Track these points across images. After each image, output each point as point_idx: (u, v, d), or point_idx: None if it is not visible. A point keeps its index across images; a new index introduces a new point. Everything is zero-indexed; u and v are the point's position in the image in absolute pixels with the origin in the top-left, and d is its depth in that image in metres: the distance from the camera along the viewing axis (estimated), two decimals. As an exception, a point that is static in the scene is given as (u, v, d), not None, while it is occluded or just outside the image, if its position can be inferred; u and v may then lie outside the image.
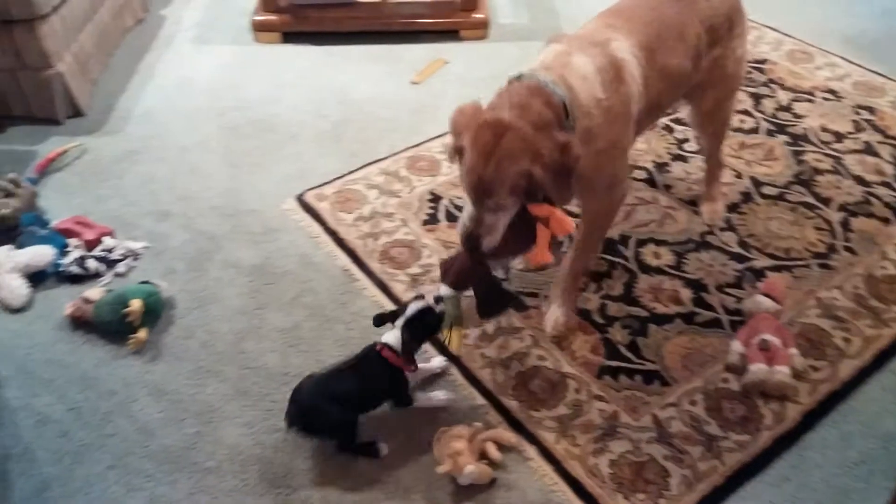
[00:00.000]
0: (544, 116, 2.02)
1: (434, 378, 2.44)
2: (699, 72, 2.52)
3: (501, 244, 2.13)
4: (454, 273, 2.23)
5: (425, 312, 2.24)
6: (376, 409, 2.28)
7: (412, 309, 2.24)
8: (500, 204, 2.06)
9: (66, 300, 2.67)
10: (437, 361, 2.44)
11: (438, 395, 2.36)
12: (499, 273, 2.32)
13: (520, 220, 2.11)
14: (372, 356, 2.24)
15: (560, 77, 2.11)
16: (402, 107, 3.66)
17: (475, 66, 3.96)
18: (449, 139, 2.21)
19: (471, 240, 2.12)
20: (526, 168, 1.99)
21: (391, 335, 2.24)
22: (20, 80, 3.42)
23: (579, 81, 2.13)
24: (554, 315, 2.57)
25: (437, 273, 2.74)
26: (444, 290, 2.25)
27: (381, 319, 2.31)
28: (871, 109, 3.56)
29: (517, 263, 2.69)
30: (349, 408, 2.19)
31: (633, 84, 2.25)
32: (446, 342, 2.33)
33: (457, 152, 2.14)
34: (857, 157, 3.29)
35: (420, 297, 2.28)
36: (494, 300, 2.36)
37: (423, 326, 2.25)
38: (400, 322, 2.24)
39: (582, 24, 2.43)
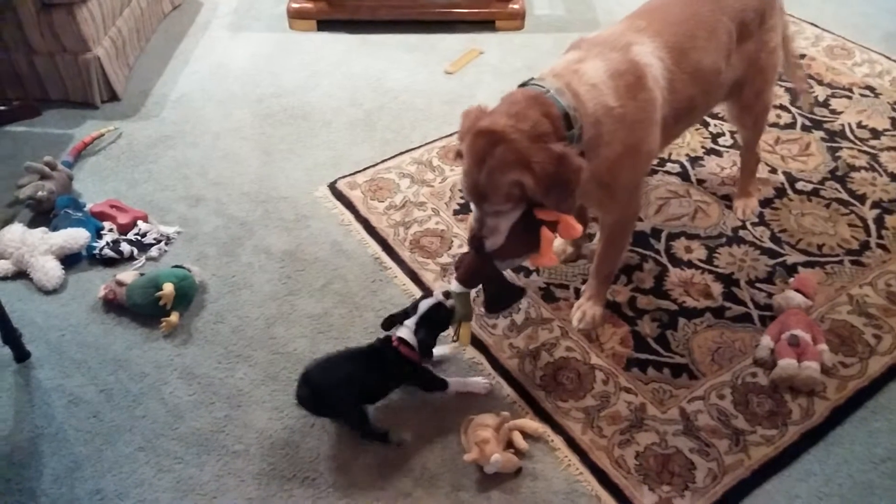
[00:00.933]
0: (540, 127, 1.98)
1: (464, 367, 2.45)
2: (731, 69, 2.47)
3: (506, 245, 2.12)
4: (464, 271, 2.22)
5: (436, 309, 2.27)
6: (385, 397, 2.31)
7: (424, 306, 2.27)
8: (498, 209, 2.05)
9: (99, 283, 2.72)
10: (480, 380, 2.41)
11: (477, 382, 2.37)
12: (506, 269, 2.31)
13: (525, 222, 2.09)
14: (387, 351, 2.26)
15: (566, 85, 2.06)
16: (435, 96, 3.67)
17: (510, 56, 3.95)
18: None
19: (475, 241, 2.12)
20: (517, 178, 1.97)
21: (405, 330, 2.27)
22: (58, 63, 3.47)
23: (586, 89, 2.08)
24: (582, 309, 2.57)
25: (466, 263, 2.76)
26: (455, 285, 2.25)
27: (391, 322, 2.34)
28: (909, 106, 3.51)
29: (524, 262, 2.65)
30: (357, 395, 2.22)
31: (655, 90, 2.20)
32: (454, 338, 2.36)
33: (458, 155, 2.15)
34: (893, 154, 3.25)
35: (428, 294, 2.30)
36: (502, 296, 2.35)
37: (436, 322, 2.29)
38: (413, 321, 2.26)
39: (610, 24, 2.39)
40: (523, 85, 2.14)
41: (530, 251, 2.16)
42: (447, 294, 2.29)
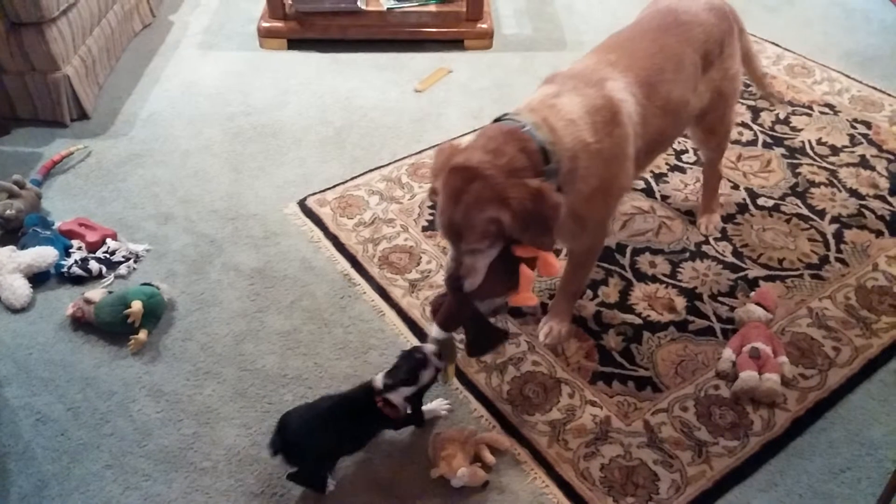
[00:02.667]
0: (517, 162, 1.97)
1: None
2: (697, 99, 2.52)
3: (485, 285, 2.09)
4: (443, 315, 2.20)
5: (434, 378, 2.23)
6: (360, 449, 2.26)
7: (425, 378, 2.19)
8: (475, 248, 2.03)
9: (67, 301, 2.72)
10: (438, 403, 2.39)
11: (441, 405, 2.36)
12: (487, 312, 2.27)
13: (504, 260, 2.08)
14: (368, 405, 2.18)
15: (543, 120, 2.06)
16: (404, 114, 3.71)
17: (478, 75, 4.00)
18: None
19: (453, 280, 2.09)
20: (494, 215, 1.95)
21: (394, 394, 2.16)
22: (27, 82, 3.47)
23: (564, 124, 2.08)
24: (549, 325, 2.60)
25: (435, 278, 2.80)
26: (436, 331, 2.21)
27: (390, 382, 2.18)
28: (867, 124, 3.59)
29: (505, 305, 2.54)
30: (328, 445, 2.15)
31: (629, 125, 2.22)
32: (442, 379, 2.34)
33: (433, 192, 2.14)
34: (852, 170, 3.32)
35: (419, 355, 2.20)
36: (485, 339, 2.32)
37: (428, 386, 2.25)
38: (411, 390, 2.17)
39: (577, 43, 2.42)
40: (498, 120, 2.13)
41: (509, 290, 2.15)
42: (437, 355, 2.21)
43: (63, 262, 2.82)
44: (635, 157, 2.29)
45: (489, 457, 2.23)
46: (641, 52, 2.37)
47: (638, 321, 2.67)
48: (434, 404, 2.37)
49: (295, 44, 4.20)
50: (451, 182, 2.00)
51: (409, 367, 2.19)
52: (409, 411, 2.22)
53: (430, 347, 2.22)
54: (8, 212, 2.92)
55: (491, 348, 2.44)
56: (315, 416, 2.15)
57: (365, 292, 2.78)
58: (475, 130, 2.18)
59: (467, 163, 1.98)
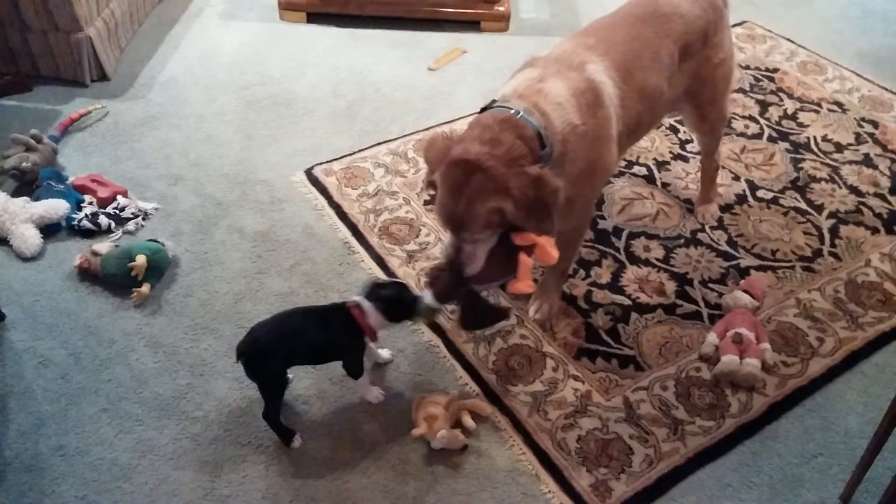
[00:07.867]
0: (515, 150, 2.01)
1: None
2: (673, 89, 2.54)
3: (484, 270, 2.15)
4: (439, 290, 2.25)
5: (408, 304, 2.29)
6: (323, 363, 2.38)
7: (406, 296, 2.28)
8: (476, 237, 2.08)
9: (75, 252, 2.81)
10: (385, 353, 2.49)
11: (375, 390, 2.40)
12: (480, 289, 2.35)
13: (503, 247, 2.13)
14: (340, 311, 2.27)
15: (533, 105, 2.10)
16: (416, 91, 3.76)
17: (492, 57, 4.05)
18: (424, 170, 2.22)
19: (453, 266, 2.15)
20: (496, 205, 1.99)
21: (365, 301, 2.26)
22: (50, 41, 3.56)
23: (553, 108, 2.12)
24: (539, 301, 2.66)
25: (432, 251, 2.86)
26: (429, 297, 2.27)
27: (373, 287, 2.32)
28: (874, 123, 3.60)
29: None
30: (301, 353, 2.26)
31: (611, 106, 2.26)
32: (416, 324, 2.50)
33: (430, 185, 2.18)
34: (854, 167, 3.35)
35: (411, 299, 2.28)
36: (479, 316, 2.40)
37: (398, 313, 2.29)
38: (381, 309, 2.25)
39: (558, 43, 2.44)
40: (486, 108, 2.16)
41: (508, 275, 2.19)
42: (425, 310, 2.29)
43: (74, 216, 2.92)
44: (618, 139, 2.33)
45: (470, 422, 2.30)
46: (619, 38, 2.40)
47: (627, 302, 2.72)
48: (383, 351, 2.46)
49: (314, 17, 4.26)
50: (451, 175, 2.03)
51: (404, 299, 2.27)
52: (374, 327, 2.27)
53: (424, 303, 2.27)
54: (24, 164, 3.01)
55: (484, 326, 2.53)
56: (285, 318, 2.28)
57: (363, 260, 2.85)
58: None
59: (466, 155, 2.01)
